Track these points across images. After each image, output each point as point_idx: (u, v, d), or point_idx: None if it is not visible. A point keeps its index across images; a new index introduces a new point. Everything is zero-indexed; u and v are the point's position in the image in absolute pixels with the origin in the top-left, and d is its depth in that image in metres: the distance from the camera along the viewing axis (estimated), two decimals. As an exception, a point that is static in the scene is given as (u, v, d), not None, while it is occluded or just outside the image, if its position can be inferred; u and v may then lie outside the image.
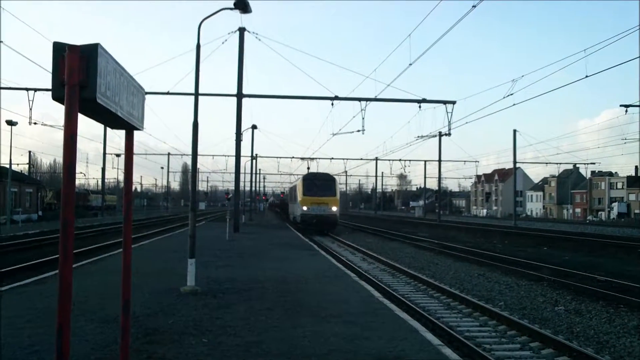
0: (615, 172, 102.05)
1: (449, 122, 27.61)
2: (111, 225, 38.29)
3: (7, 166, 39.27)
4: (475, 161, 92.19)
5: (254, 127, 44.38)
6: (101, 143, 57.85)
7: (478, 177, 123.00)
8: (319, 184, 35.79)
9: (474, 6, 15.67)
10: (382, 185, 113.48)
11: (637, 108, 33.35)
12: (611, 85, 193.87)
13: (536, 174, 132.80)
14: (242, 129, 31.30)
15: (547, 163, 67.42)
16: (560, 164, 68.73)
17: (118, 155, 62.87)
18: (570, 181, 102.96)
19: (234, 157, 31.43)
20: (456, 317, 10.51)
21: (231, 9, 13.74)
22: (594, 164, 72.80)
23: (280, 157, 66.59)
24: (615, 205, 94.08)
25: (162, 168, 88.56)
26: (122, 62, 3.27)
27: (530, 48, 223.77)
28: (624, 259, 21.66)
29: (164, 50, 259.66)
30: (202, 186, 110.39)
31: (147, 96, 4.64)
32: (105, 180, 67.17)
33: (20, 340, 6.61)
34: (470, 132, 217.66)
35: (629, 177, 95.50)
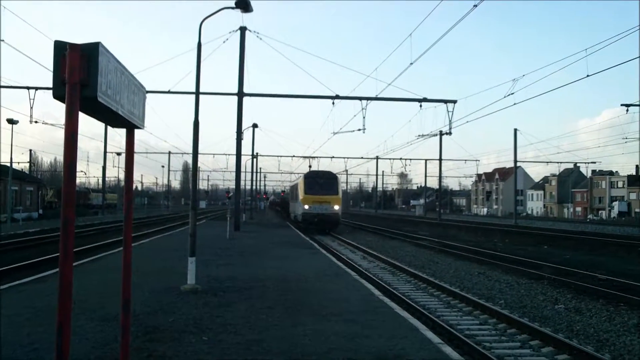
0: (616, 171, 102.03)
1: (450, 121, 27.65)
2: (112, 223, 38.32)
3: (8, 164, 39.30)
4: (476, 160, 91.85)
5: (254, 125, 44.38)
6: (102, 142, 57.97)
7: (479, 176, 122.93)
8: (320, 182, 35.22)
9: (475, 6, 15.69)
10: (383, 184, 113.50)
11: (638, 107, 33.36)
12: (612, 84, 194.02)
13: (537, 173, 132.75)
14: (243, 127, 31.34)
15: (547, 162, 67.63)
16: (560, 163, 68.87)
17: (119, 154, 62.93)
18: (570, 180, 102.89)
19: (235, 156, 31.49)
20: (456, 316, 10.53)
21: (232, 8, 13.74)
22: (594, 163, 72.96)
23: (280, 156, 66.51)
24: (615, 204, 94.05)
25: (162, 167, 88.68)
26: (123, 60, 3.28)
27: (531, 48, 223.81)
28: (624, 258, 21.66)
29: (165, 49, 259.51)
30: (202, 185, 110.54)
31: (148, 95, 4.65)
32: (106, 179, 67.33)
33: (20, 339, 6.62)
34: (471, 131, 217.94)
35: (629, 176, 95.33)
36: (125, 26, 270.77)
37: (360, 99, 28.13)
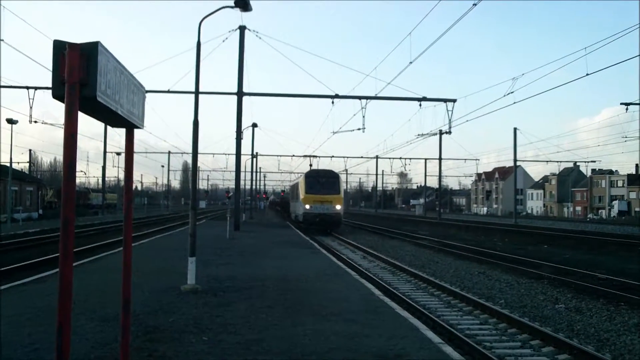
0: (616, 170, 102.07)
1: (450, 120, 27.66)
2: (111, 223, 38.31)
3: (8, 164, 39.29)
4: (476, 159, 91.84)
5: (254, 125, 44.40)
6: (101, 141, 57.99)
7: (478, 175, 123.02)
8: (322, 181, 34.51)
9: (474, 4, 15.67)
10: (383, 183, 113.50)
11: (638, 106, 33.35)
12: (612, 83, 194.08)
13: (537, 172, 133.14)
14: (243, 127, 31.32)
15: (547, 161, 67.67)
16: (560, 162, 68.88)
17: (118, 154, 62.93)
18: (570, 179, 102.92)
19: (235, 156, 31.44)
20: (457, 315, 10.52)
21: (232, 7, 13.74)
22: (594, 162, 72.95)
23: (280, 156, 66.66)
24: (615, 203, 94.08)
25: (162, 166, 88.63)
26: (122, 60, 3.27)
27: (531, 46, 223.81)
28: (624, 257, 21.64)
29: (164, 48, 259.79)
30: (202, 185, 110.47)
31: (147, 94, 4.64)
32: (106, 179, 67.32)
33: (21, 339, 6.62)
34: (471, 130, 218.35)
35: (629, 175, 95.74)
36: (124, 25, 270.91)
37: (360, 98, 28.13)
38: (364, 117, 28.57)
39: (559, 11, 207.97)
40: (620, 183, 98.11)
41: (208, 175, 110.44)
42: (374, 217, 72.13)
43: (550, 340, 8.31)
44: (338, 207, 34.18)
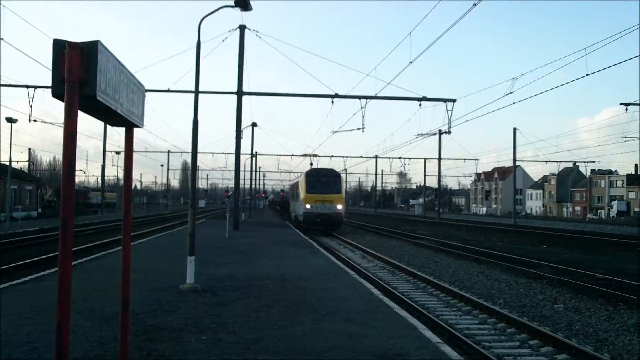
0: (615, 171, 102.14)
1: (449, 120, 27.67)
2: (111, 222, 38.29)
3: (7, 163, 39.27)
4: (475, 159, 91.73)
5: (254, 124, 44.42)
6: (101, 140, 58.08)
7: (478, 175, 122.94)
8: (323, 180, 33.65)
9: (474, 4, 15.69)
10: (382, 183, 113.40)
11: (637, 106, 33.38)
12: (611, 83, 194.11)
13: (536, 172, 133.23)
14: (242, 126, 31.31)
15: (547, 161, 67.62)
16: (560, 162, 68.90)
17: (118, 153, 62.97)
18: (570, 179, 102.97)
19: (234, 155, 31.43)
20: (455, 315, 10.52)
21: (232, 6, 13.75)
22: (593, 162, 72.93)
23: (280, 155, 66.66)
24: (615, 203, 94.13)
25: (162, 166, 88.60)
26: (122, 59, 3.27)
27: (531, 46, 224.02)
28: (623, 257, 21.67)
29: (164, 47, 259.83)
30: (201, 184, 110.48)
31: (147, 94, 4.64)
32: (105, 178, 67.30)
33: (20, 338, 6.62)
34: (471, 130, 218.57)
35: (628, 176, 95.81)
36: (124, 25, 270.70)
37: (360, 97, 28.14)
38: (363, 116, 28.61)
39: (559, 11, 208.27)
40: (619, 183, 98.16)
41: (207, 175, 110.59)
42: (373, 216, 72.15)
43: (549, 340, 8.32)
44: (339, 207, 33.38)
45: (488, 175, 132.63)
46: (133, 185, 4.55)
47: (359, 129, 29.81)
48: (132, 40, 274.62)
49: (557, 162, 68.24)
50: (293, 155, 63.60)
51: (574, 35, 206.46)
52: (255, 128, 45.19)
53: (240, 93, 29.61)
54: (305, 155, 55.52)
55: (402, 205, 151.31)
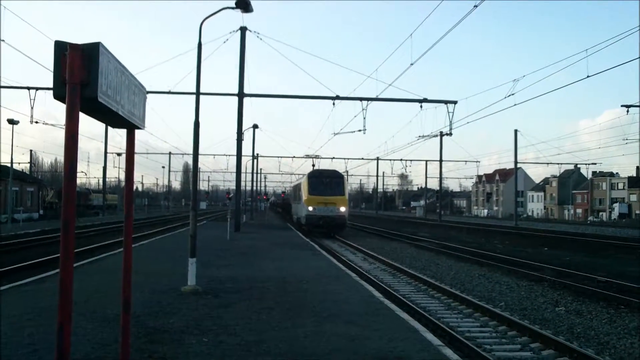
0: (617, 173, 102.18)
1: (450, 122, 27.62)
2: (112, 224, 38.31)
3: (9, 165, 39.31)
4: (477, 161, 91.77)
5: (255, 126, 44.47)
6: (102, 142, 57.94)
7: (479, 177, 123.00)
8: (326, 182, 32.50)
9: (475, 6, 15.69)
10: (383, 185, 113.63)
11: (639, 108, 33.29)
12: (612, 85, 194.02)
13: (537, 174, 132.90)
14: (243, 128, 31.31)
15: (548, 163, 67.51)
16: (561, 164, 68.70)
17: (119, 155, 62.93)
18: (571, 181, 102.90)
19: (235, 157, 31.45)
20: (457, 318, 10.51)
21: (232, 8, 13.74)
22: (595, 164, 72.64)
23: (281, 157, 66.58)
24: (616, 205, 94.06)
25: (163, 167, 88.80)
26: (123, 61, 3.27)
27: (532, 48, 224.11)
28: (624, 260, 21.63)
29: (165, 49, 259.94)
30: (203, 186, 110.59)
31: (148, 95, 4.64)
32: (107, 180, 67.31)
33: (21, 339, 6.61)
34: (472, 132, 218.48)
35: (630, 178, 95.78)
36: (125, 26, 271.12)
37: (361, 99, 28.13)
38: (364, 118, 28.60)
39: (560, 13, 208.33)
40: (620, 185, 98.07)
41: (209, 176, 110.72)
42: (374, 218, 72.10)
43: (550, 343, 8.30)
44: (343, 209, 32.32)
45: (489, 177, 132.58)
46: (134, 187, 4.54)
47: (360, 130, 29.80)
48: (132, 41, 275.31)
49: (558, 164, 68.13)
50: (294, 157, 63.56)
51: (575, 36, 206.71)
52: (256, 130, 45.25)
53: (241, 95, 29.62)
54: (306, 156, 55.37)
55: (404, 208, 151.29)
